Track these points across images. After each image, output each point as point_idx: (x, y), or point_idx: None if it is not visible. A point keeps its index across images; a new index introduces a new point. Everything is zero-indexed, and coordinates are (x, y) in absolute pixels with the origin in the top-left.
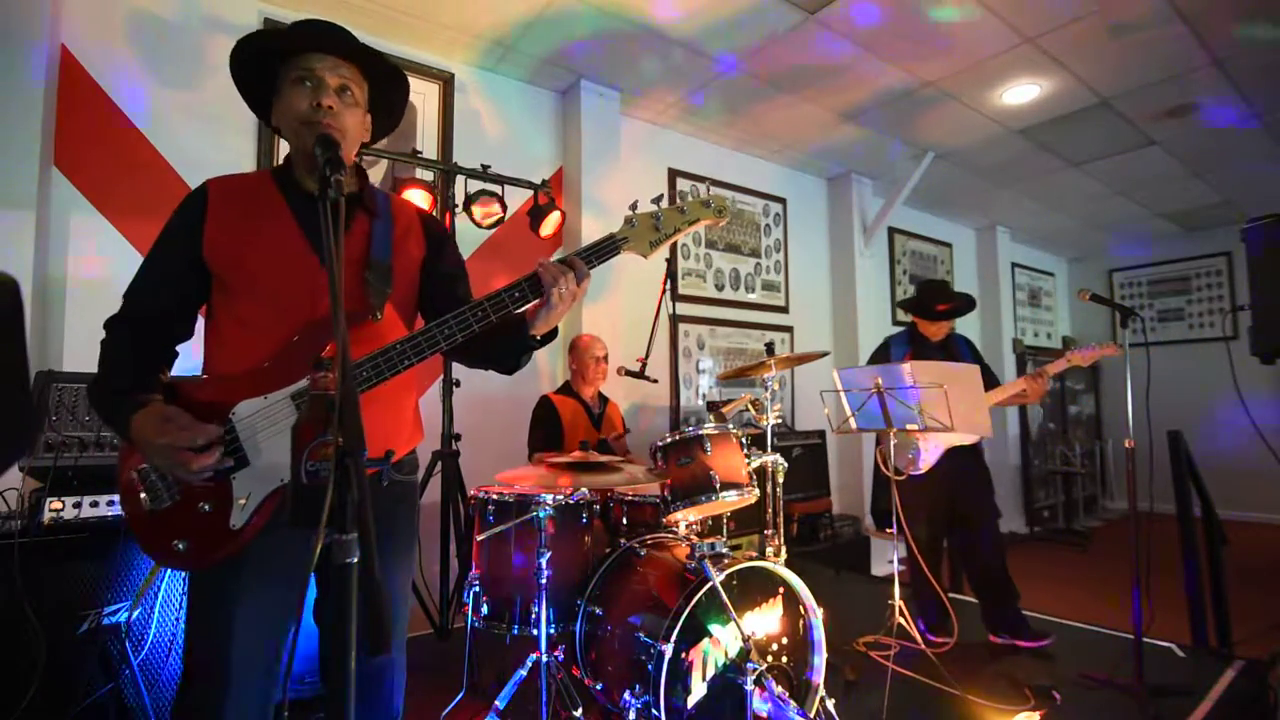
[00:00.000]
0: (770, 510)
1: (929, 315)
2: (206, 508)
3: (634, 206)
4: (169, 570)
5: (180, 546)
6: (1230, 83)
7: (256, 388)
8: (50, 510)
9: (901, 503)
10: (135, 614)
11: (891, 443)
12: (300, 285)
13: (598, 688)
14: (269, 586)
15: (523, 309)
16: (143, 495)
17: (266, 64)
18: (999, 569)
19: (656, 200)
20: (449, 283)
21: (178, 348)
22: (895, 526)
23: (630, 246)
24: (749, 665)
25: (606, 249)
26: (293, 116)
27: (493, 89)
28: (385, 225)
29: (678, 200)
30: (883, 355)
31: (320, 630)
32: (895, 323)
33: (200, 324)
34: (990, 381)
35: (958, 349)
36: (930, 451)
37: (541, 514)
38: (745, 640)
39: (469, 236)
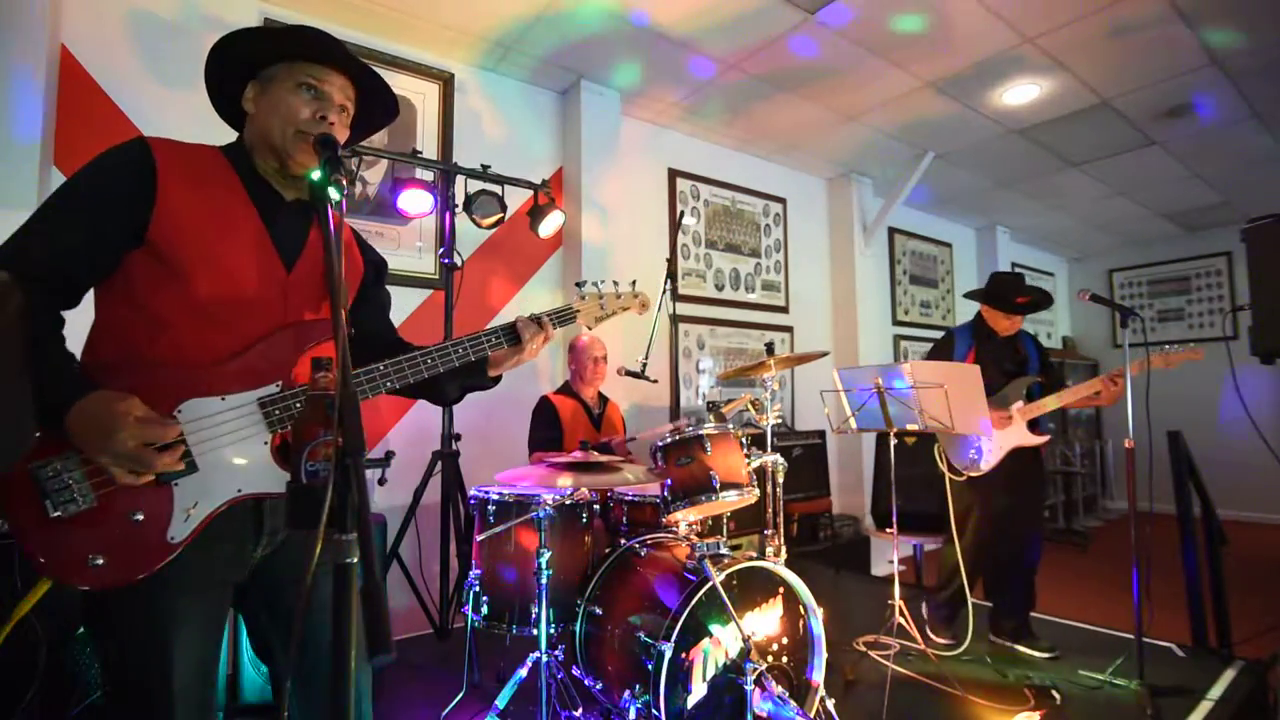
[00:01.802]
0: (770, 510)
1: (1007, 307)
2: (140, 517)
3: (581, 284)
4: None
5: (99, 561)
6: (1230, 83)
7: (211, 386)
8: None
9: (954, 503)
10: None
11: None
12: (268, 285)
13: (598, 688)
14: (202, 601)
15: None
16: (46, 499)
17: (262, 54)
18: (1029, 580)
19: (598, 283)
20: (382, 312)
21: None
22: (950, 528)
23: (581, 317)
24: (749, 665)
25: (567, 316)
26: (287, 119)
27: (493, 89)
28: (335, 234)
29: (614, 287)
30: (946, 347)
31: (266, 658)
32: (895, 322)
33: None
34: (1056, 383)
35: (1025, 346)
36: (993, 451)
37: (541, 514)
38: (745, 640)
39: (469, 236)
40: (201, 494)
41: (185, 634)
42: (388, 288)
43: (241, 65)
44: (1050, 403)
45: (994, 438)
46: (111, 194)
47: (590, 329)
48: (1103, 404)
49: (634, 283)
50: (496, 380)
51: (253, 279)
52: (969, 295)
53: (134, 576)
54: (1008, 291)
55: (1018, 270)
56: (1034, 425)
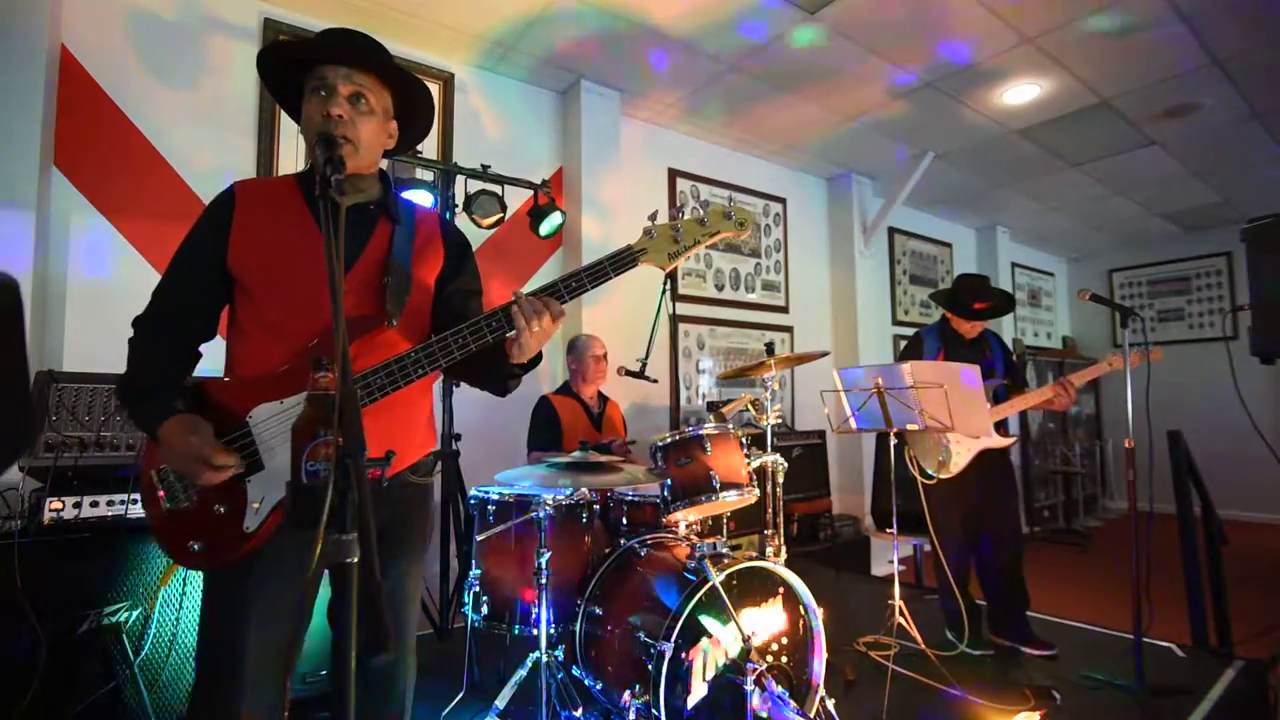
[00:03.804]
0: (770, 510)
1: (965, 314)
2: (221, 510)
3: (653, 217)
4: (185, 570)
5: (196, 547)
6: (1230, 83)
7: (273, 391)
8: (50, 510)
9: (930, 506)
10: (154, 612)
11: (889, 443)
12: (322, 290)
13: (598, 688)
14: (281, 586)
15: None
16: (162, 495)
17: (292, 74)
18: (1016, 577)
19: (682, 208)
20: (463, 298)
21: (202, 347)
22: (930, 533)
23: (648, 258)
24: (749, 665)
25: (624, 261)
26: (309, 126)
27: (493, 89)
28: (407, 232)
29: (696, 211)
30: (915, 349)
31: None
32: (895, 322)
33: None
34: (1020, 384)
35: (990, 348)
36: (961, 453)
37: (541, 514)
38: (745, 640)
39: (469, 236)
40: (267, 489)
41: (260, 613)
42: None
43: (292, 98)
44: (1016, 405)
45: (961, 439)
46: (202, 244)
47: (664, 270)
48: (1057, 409)
49: (730, 198)
50: (533, 363)
51: (309, 287)
52: (932, 297)
53: (225, 561)
54: (966, 298)
55: (984, 274)
56: (1000, 427)
